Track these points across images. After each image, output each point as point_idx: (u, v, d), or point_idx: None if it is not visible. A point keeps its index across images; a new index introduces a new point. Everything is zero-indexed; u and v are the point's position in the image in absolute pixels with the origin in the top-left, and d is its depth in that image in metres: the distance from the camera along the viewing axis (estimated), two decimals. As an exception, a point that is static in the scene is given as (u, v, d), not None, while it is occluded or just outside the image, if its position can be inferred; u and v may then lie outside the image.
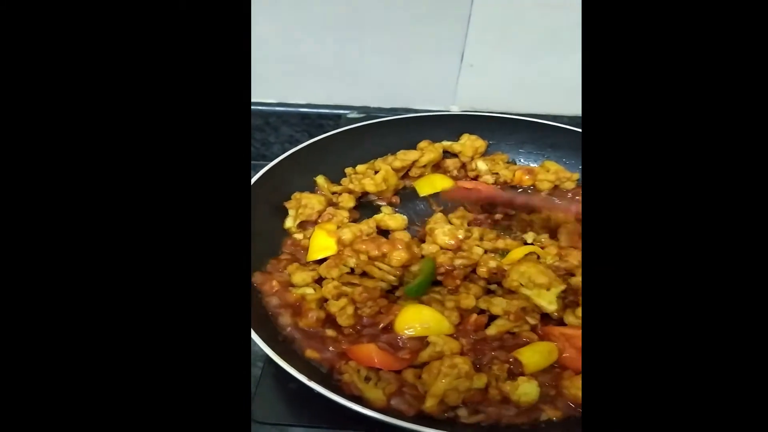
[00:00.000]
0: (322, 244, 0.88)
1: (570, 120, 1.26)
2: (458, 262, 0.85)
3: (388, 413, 0.67)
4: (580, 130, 1.08)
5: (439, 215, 0.97)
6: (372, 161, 1.08)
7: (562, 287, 0.78)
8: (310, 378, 0.67)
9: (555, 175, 1.06)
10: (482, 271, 0.84)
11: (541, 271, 0.78)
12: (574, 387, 0.72)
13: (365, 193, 1.02)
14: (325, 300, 0.81)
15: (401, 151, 1.08)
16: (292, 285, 0.84)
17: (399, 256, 0.83)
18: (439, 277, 0.85)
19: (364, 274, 0.86)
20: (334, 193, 1.02)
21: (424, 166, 1.08)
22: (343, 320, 0.79)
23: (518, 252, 0.84)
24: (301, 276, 0.84)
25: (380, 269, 0.84)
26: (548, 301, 0.77)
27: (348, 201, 1.00)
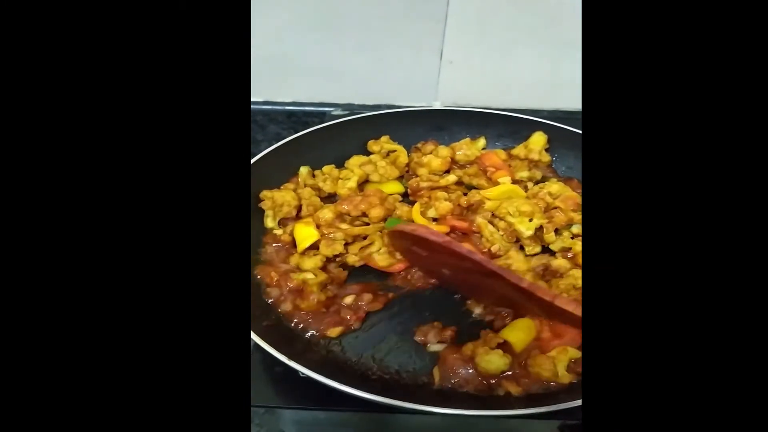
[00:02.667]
0: (305, 234, 0.93)
1: (549, 114, 1.30)
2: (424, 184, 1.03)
3: (373, 392, 0.68)
4: (551, 122, 1.12)
5: None
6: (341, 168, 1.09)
7: (544, 221, 0.91)
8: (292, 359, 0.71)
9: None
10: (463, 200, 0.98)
11: (527, 203, 0.92)
12: (537, 365, 0.75)
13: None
14: (326, 285, 0.86)
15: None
16: (293, 271, 0.88)
17: (377, 212, 0.94)
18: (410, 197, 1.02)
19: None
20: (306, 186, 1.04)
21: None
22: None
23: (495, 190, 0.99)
24: (311, 261, 0.89)
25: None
26: (526, 227, 0.90)
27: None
